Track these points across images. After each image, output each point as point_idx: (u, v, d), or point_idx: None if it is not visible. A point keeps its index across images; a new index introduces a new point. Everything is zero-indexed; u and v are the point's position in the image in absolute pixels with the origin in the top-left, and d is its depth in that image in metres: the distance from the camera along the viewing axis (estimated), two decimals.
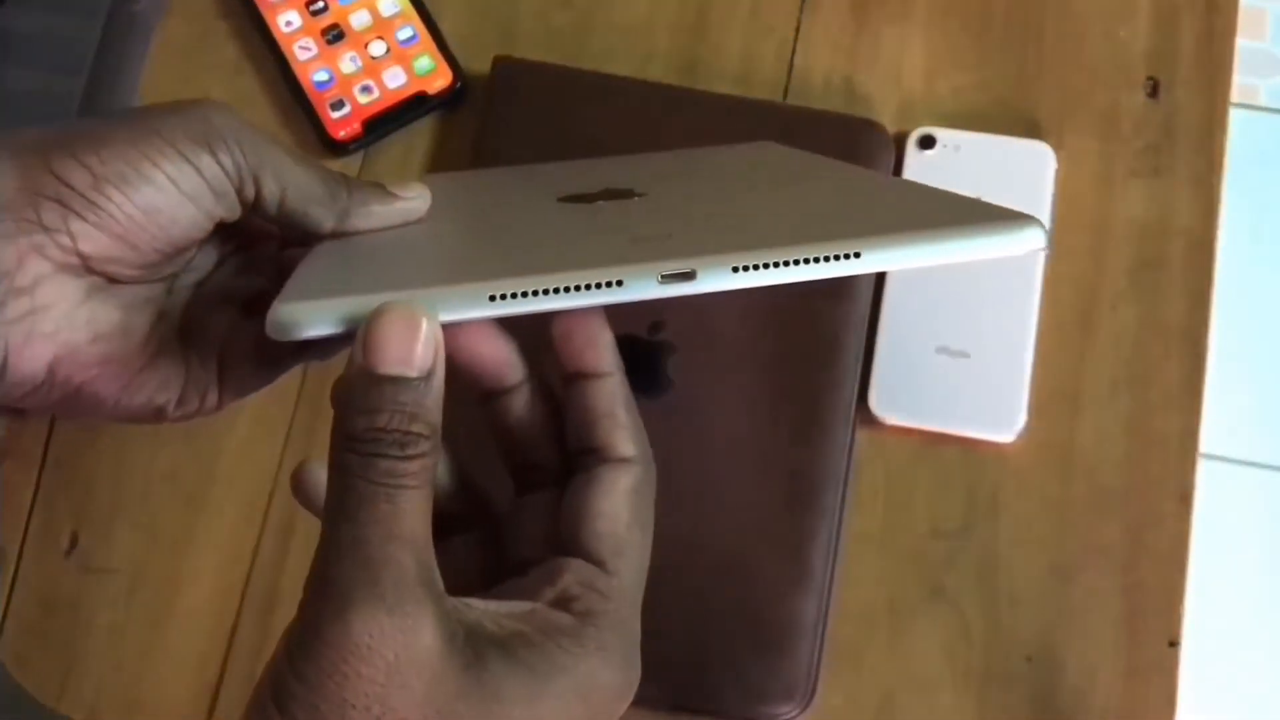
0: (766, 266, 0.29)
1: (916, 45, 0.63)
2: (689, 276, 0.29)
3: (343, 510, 0.29)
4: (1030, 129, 0.62)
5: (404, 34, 0.64)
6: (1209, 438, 0.58)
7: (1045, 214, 0.59)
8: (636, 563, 0.35)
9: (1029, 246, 0.31)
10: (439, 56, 0.63)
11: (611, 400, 0.35)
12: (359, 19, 0.64)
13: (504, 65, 0.62)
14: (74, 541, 0.59)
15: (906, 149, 0.61)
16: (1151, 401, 0.58)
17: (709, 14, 0.65)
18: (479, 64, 0.63)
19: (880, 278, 0.59)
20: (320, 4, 0.64)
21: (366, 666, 0.29)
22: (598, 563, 0.34)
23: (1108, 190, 0.61)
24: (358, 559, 0.29)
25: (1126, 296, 0.59)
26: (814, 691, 0.54)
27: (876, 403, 0.58)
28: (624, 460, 0.35)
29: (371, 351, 0.29)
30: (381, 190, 0.38)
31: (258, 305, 0.40)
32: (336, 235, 0.38)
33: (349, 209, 0.37)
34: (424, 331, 0.29)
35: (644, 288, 0.29)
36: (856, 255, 0.30)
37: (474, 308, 0.29)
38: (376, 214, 0.38)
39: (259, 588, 0.58)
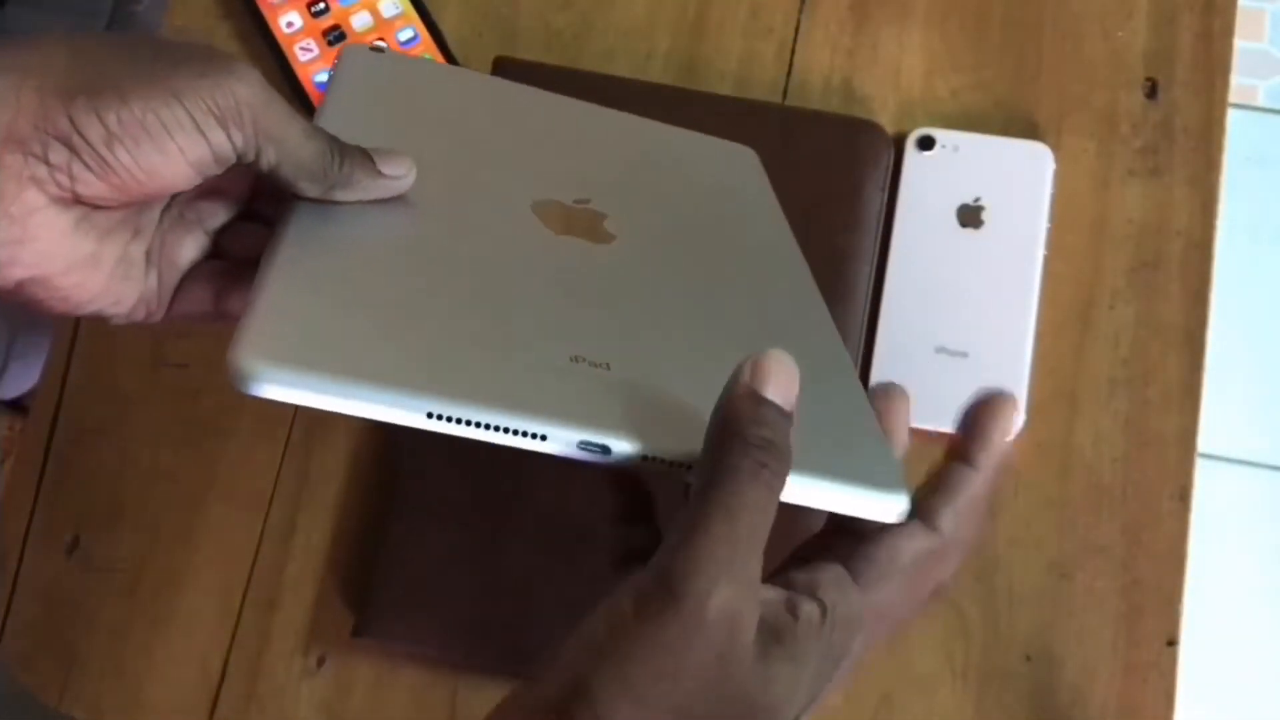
0: (669, 464, 0.34)
1: (915, 46, 0.64)
2: (605, 451, 0.33)
3: (726, 508, 0.32)
4: (1029, 129, 0.62)
5: (405, 35, 0.64)
6: (1207, 437, 0.58)
7: (1044, 214, 0.60)
8: (886, 603, 0.38)
9: (889, 514, 0.36)
10: (440, 57, 0.63)
11: (961, 484, 0.39)
12: (360, 20, 0.64)
13: (504, 65, 0.62)
14: (75, 541, 0.59)
15: (905, 150, 0.61)
16: (1150, 401, 0.58)
17: (709, 14, 0.65)
18: (479, 64, 0.63)
19: (880, 276, 0.59)
20: (322, 5, 0.64)
21: (716, 632, 0.32)
22: (855, 574, 0.37)
23: (1106, 190, 0.61)
24: (729, 549, 0.32)
25: (1125, 296, 0.60)
26: None
27: None
28: (934, 529, 0.38)
29: (761, 378, 0.33)
30: (369, 165, 0.39)
31: (224, 240, 0.41)
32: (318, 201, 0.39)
33: (335, 184, 0.39)
34: (797, 383, 0.34)
35: (563, 446, 0.33)
36: None
37: (412, 418, 0.32)
38: (359, 190, 0.39)
39: (260, 587, 0.58)
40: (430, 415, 0.32)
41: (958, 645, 0.56)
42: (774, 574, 0.39)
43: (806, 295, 0.46)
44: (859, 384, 0.42)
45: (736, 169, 0.54)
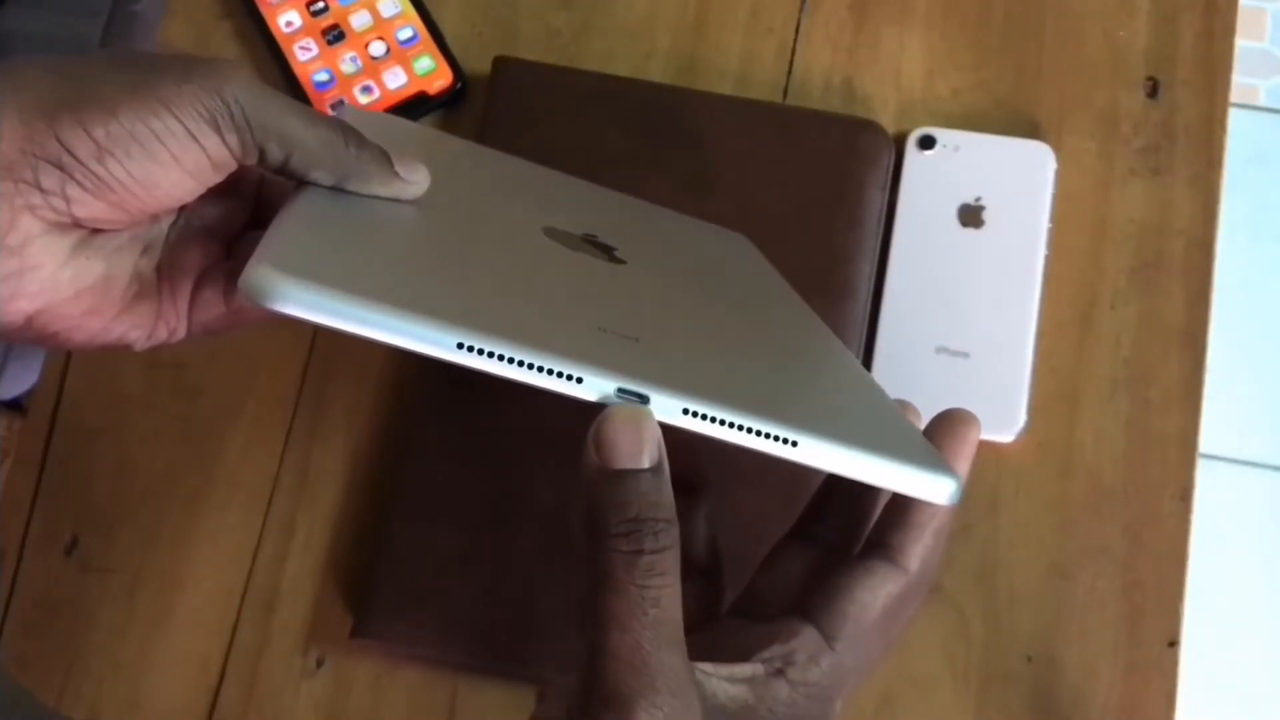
0: (713, 420, 0.31)
1: (916, 46, 0.63)
2: (643, 399, 0.31)
3: (614, 617, 0.30)
4: (1030, 129, 0.62)
5: (404, 34, 0.64)
6: (1208, 438, 0.58)
7: (1045, 214, 0.59)
8: (861, 659, 0.36)
9: (941, 496, 0.34)
10: (439, 57, 0.63)
11: (930, 519, 0.37)
12: (359, 19, 0.64)
13: (504, 65, 0.62)
14: (74, 541, 0.59)
15: (906, 149, 0.61)
16: (1151, 401, 0.58)
17: (709, 14, 0.65)
18: (479, 64, 0.63)
19: (880, 276, 0.59)
20: (321, 4, 0.64)
21: None
22: (829, 638, 0.35)
23: (1107, 190, 0.61)
24: (636, 667, 0.30)
25: (1126, 296, 0.60)
26: None
27: None
28: (903, 569, 0.36)
29: (606, 450, 0.31)
30: (385, 164, 0.38)
31: (236, 246, 0.40)
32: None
33: (349, 175, 0.37)
34: (649, 429, 0.31)
35: (599, 392, 0.31)
36: (794, 444, 0.32)
37: (441, 349, 0.30)
38: (374, 186, 0.38)
39: (259, 588, 0.58)
40: (461, 346, 0.30)
41: (958, 646, 0.56)
42: (745, 613, 0.38)
43: (822, 335, 0.46)
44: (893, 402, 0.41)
45: (736, 246, 0.54)
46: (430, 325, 0.30)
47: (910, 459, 0.34)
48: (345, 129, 0.37)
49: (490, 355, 0.30)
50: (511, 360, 0.30)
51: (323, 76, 0.63)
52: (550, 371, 0.30)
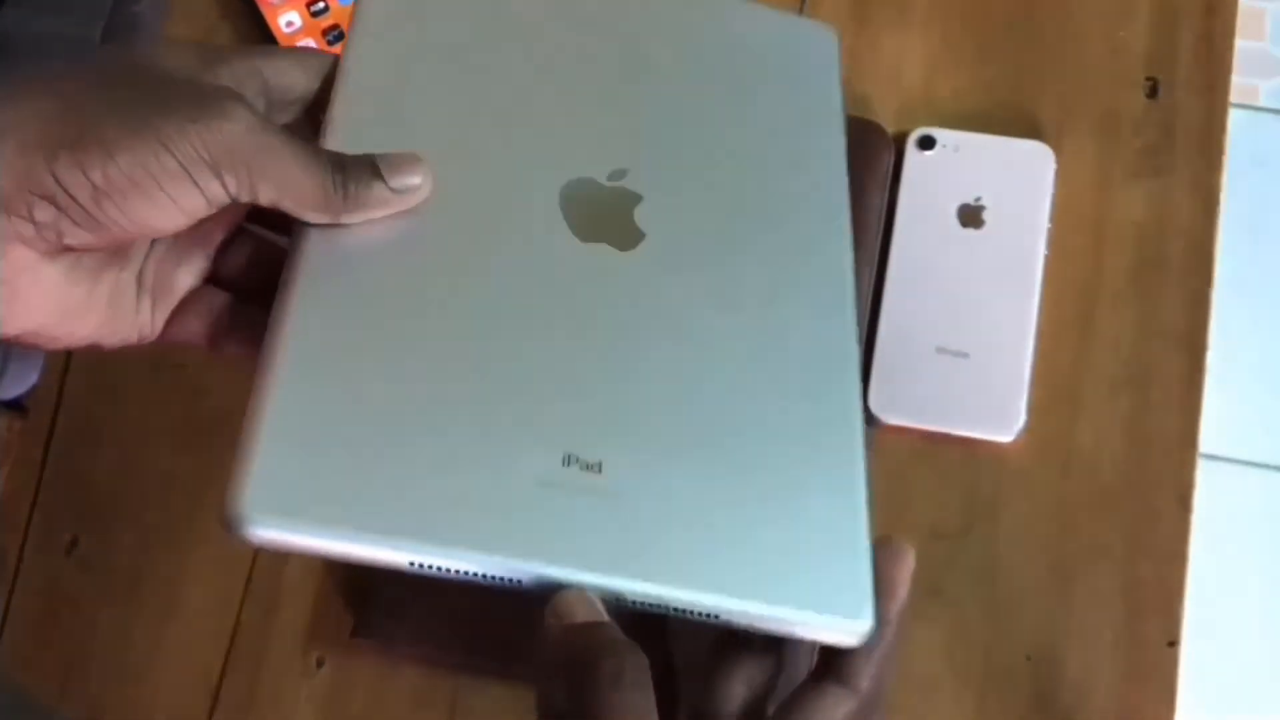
0: (642, 604, 0.35)
1: (916, 46, 0.63)
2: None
3: None
4: (1030, 129, 0.62)
5: None
6: (1208, 438, 0.58)
7: (1045, 214, 0.60)
8: None
9: (850, 638, 0.36)
10: None
11: (873, 647, 0.37)
12: None
13: None
14: (74, 541, 0.59)
15: (906, 149, 0.61)
16: (1151, 401, 0.58)
17: None
18: None
19: (880, 276, 0.59)
20: (321, 4, 0.64)
21: None
22: None
23: (1107, 191, 0.61)
24: None
25: (1126, 297, 0.60)
26: None
27: (876, 402, 0.58)
28: (854, 691, 0.37)
29: (565, 614, 0.34)
30: (377, 182, 0.37)
31: (222, 258, 0.40)
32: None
33: (340, 215, 0.37)
34: (598, 601, 0.35)
35: (544, 588, 0.35)
36: (715, 617, 0.35)
37: (396, 563, 0.34)
38: (371, 213, 0.38)
39: (259, 588, 0.58)
40: (411, 565, 0.34)
41: (958, 646, 0.56)
42: None
43: (837, 310, 0.43)
44: (861, 470, 0.40)
45: (805, 66, 0.49)
46: (383, 549, 0.34)
47: (824, 605, 0.36)
48: (335, 166, 0.37)
49: (437, 569, 0.34)
50: (457, 572, 0.34)
51: None
52: (494, 578, 0.34)
